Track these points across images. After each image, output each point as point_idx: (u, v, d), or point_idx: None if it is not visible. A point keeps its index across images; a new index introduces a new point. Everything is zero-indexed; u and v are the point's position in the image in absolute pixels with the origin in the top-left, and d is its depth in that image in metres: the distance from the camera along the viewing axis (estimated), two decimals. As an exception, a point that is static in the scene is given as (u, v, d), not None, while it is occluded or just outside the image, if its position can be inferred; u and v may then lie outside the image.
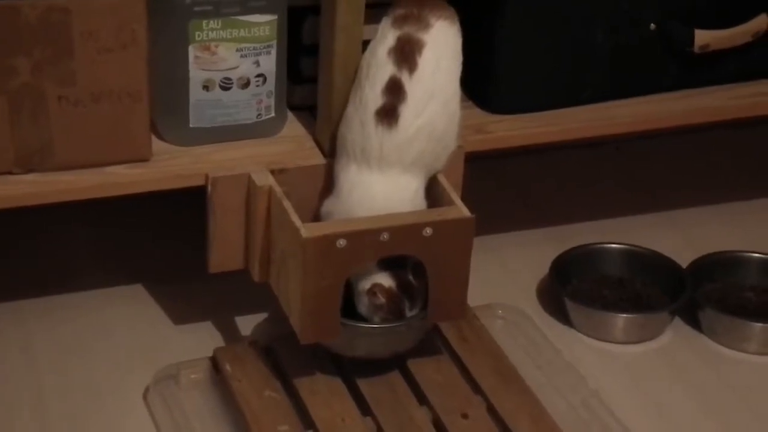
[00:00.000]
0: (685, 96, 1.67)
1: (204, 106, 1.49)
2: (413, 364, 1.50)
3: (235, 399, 1.45)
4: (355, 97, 1.44)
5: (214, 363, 1.51)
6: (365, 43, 1.46)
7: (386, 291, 1.42)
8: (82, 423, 1.46)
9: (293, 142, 1.55)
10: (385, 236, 1.39)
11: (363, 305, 1.44)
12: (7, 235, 1.74)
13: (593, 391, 1.51)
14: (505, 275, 1.73)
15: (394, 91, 1.41)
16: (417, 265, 1.44)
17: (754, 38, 1.65)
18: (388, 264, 1.43)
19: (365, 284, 1.43)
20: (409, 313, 1.44)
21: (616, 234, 1.78)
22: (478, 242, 1.45)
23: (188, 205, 1.58)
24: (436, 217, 1.42)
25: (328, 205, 1.47)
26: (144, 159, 1.48)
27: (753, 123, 1.90)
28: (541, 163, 1.96)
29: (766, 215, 1.88)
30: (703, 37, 1.63)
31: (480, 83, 1.60)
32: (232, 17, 1.46)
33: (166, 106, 1.50)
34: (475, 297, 1.53)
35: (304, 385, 1.46)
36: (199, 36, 1.45)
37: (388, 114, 1.41)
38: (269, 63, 1.50)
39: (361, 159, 1.43)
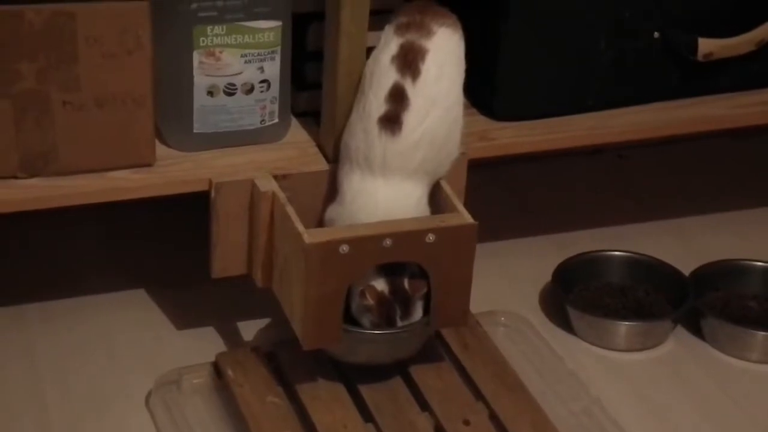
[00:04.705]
0: (688, 104, 1.67)
1: (208, 111, 1.50)
2: (415, 371, 1.50)
3: (237, 404, 1.45)
4: (359, 105, 1.45)
5: (217, 368, 1.51)
6: (369, 50, 1.47)
7: (377, 294, 1.42)
8: (83, 428, 1.46)
9: (297, 147, 1.55)
10: (388, 242, 1.39)
11: (353, 306, 1.44)
12: (11, 239, 1.74)
13: (595, 398, 1.51)
14: (507, 282, 1.73)
15: (397, 98, 1.42)
16: (418, 273, 1.44)
17: (758, 47, 1.66)
18: (387, 270, 1.43)
19: (359, 286, 1.43)
20: (400, 322, 1.44)
21: (618, 242, 1.78)
22: (480, 249, 1.45)
23: (191, 211, 1.59)
24: (438, 224, 1.42)
25: (331, 211, 1.47)
26: (147, 164, 1.48)
27: (757, 131, 1.89)
28: (544, 170, 1.96)
29: (769, 224, 1.89)
30: (706, 46, 1.63)
31: (484, 90, 1.60)
32: (237, 23, 1.46)
33: (170, 111, 1.50)
34: (477, 304, 1.53)
35: (306, 390, 1.46)
36: (203, 42, 1.46)
37: (391, 121, 1.42)
38: (273, 69, 1.50)
39: (365, 166, 1.44)
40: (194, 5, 1.44)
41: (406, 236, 1.40)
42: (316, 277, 1.38)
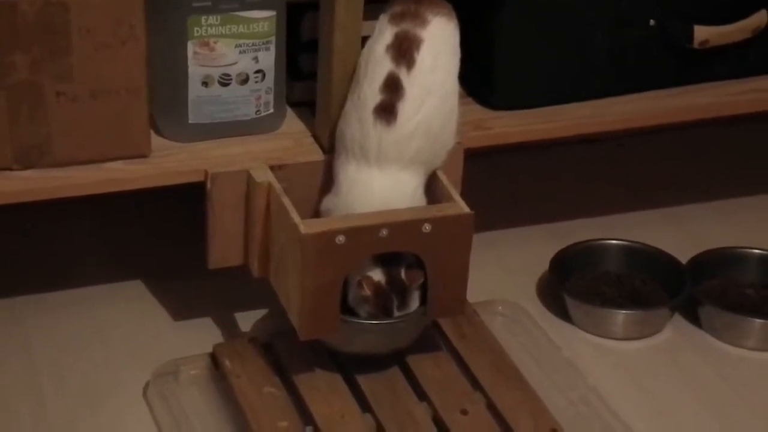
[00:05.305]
0: (684, 92, 1.67)
1: (203, 102, 1.49)
2: (412, 361, 1.50)
3: (234, 395, 1.45)
4: (354, 94, 1.44)
5: (214, 359, 1.51)
6: (364, 40, 1.46)
7: (373, 284, 1.42)
8: (81, 420, 1.46)
9: (292, 138, 1.55)
10: (384, 232, 1.39)
11: (350, 296, 1.44)
12: (5, 231, 1.74)
13: (592, 387, 1.51)
14: (504, 272, 1.73)
15: (392, 87, 1.41)
16: (414, 263, 1.44)
17: (753, 34, 1.65)
18: (384, 261, 1.43)
19: (356, 276, 1.43)
20: (397, 312, 1.44)
21: (615, 230, 1.78)
22: (477, 238, 1.45)
23: (187, 202, 1.58)
24: (435, 214, 1.42)
25: (327, 202, 1.47)
26: (143, 155, 1.48)
27: (753, 119, 1.89)
28: (541, 159, 1.96)
29: (765, 212, 1.88)
30: (702, 33, 1.62)
31: (479, 79, 1.60)
32: (231, 13, 1.46)
33: (165, 102, 1.50)
34: (474, 293, 1.53)
35: (303, 381, 1.46)
36: (197, 32, 1.45)
37: (387, 111, 1.41)
38: (268, 59, 1.50)
39: (360, 156, 1.43)
40: (188, -5, 1.44)
41: (403, 226, 1.40)
42: (313, 268, 1.38)
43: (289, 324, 1.44)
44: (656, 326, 1.64)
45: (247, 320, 1.61)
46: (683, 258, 1.70)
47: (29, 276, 1.68)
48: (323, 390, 1.45)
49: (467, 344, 1.53)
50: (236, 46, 1.47)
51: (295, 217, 1.39)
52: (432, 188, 1.48)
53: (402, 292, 1.44)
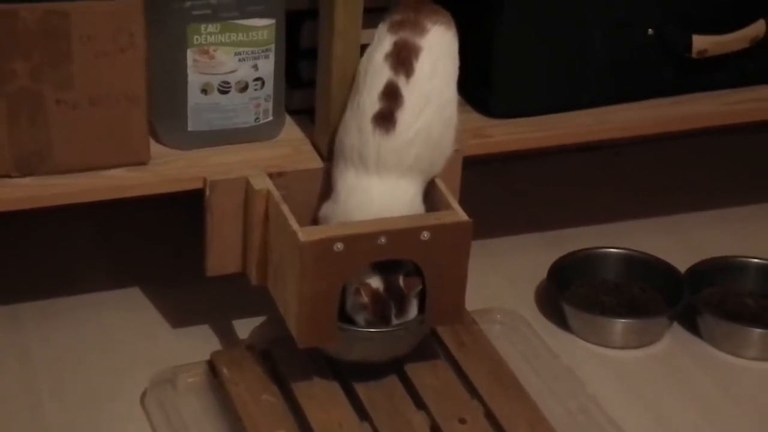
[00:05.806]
0: (682, 101, 1.67)
1: (202, 109, 1.49)
2: (411, 369, 1.50)
3: (232, 403, 1.45)
4: (353, 102, 1.45)
5: (212, 367, 1.51)
6: (363, 48, 1.46)
7: (371, 292, 1.42)
8: (78, 427, 1.46)
9: (291, 145, 1.55)
10: (383, 240, 1.39)
11: (348, 304, 1.44)
12: (5, 238, 1.74)
13: (591, 396, 1.51)
14: (503, 280, 1.73)
15: (391, 96, 1.42)
16: (413, 270, 1.44)
17: (751, 44, 1.66)
18: (383, 268, 1.43)
19: (354, 284, 1.43)
20: (395, 319, 1.44)
21: (614, 238, 1.78)
22: (476, 247, 1.45)
23: (186, 209, 1.59)
24: (433, 221, 1.42)
25: (326, 209, 1.47)
26: (142, 162, 1.48)
27: (751, 128, 1.89)
28: (539, 167, 1.96)
29: (764, 220, 1.88)
30: (700, 43, 1.63)
31: (478, 87, 1.60)
32: (231, 21, 1.46)
33: (165, 109, 1.50)
34: (473, 302, 1.53)
35: (301, 389, 1.46)
36: (197, 40, 1.46)
37: (386, 119, 1.42)
38: (267, 67, 1.50)
39: (359, 164, 1.43)
40: (188, 3, 1.44)
41: (401, 234, 1.40)
42: (311, 275, 1.38)
43: (287, 331, 1.44)
44: (655, 335, 1.64)
45: (245, 328, 1.61)
46: (682, 267, 1.70)
47: (28, 283, 1.68)
48: (321, 398, 1.45)
49: (466, 353, 1.53)
50: (235, 54, 1.47)
51: (294, 224, 1.39)
52: (430, 196, 1.48)
53: (400, 300, 1.44)
